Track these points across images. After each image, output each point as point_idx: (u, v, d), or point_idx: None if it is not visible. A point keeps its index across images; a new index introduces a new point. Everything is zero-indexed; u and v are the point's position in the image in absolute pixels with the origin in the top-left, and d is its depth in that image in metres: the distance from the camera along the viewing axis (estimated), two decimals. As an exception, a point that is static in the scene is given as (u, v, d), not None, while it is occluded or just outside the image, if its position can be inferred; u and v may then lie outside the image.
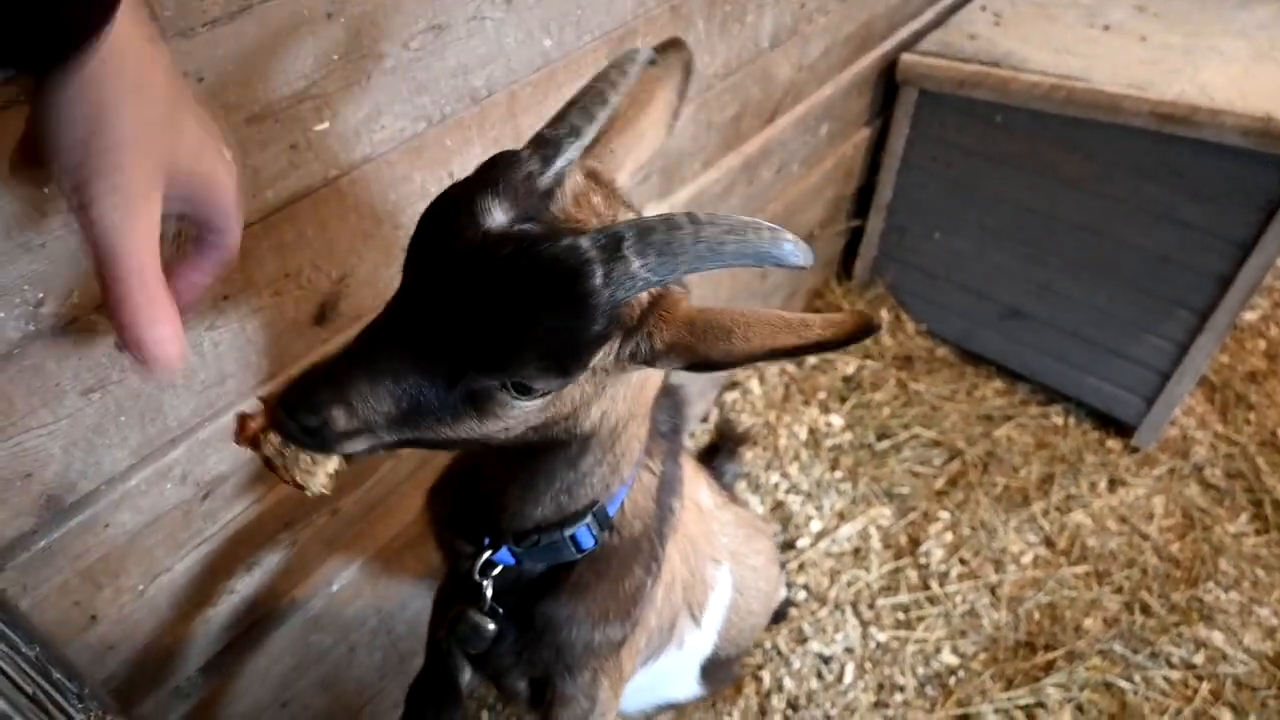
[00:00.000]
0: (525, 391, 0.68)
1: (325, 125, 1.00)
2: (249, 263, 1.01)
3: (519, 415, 0.71)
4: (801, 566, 2.20)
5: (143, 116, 0.53)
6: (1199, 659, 2.04)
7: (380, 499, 1.43)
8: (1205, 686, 1.99)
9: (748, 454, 2.40)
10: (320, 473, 0.71)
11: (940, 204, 2.50)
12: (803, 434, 2.50)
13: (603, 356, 0.71)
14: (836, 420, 2.54)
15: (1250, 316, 2.89)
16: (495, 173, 0.67)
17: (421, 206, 1.19)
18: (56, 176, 0.53)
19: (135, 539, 1.07)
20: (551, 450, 0.84)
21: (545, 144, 0.70)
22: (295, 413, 0.67)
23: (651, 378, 0.87)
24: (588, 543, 0.97)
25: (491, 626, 1.01)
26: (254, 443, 0.69)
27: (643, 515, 1.04)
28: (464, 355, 0.66)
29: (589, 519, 0.96)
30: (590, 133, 0.71)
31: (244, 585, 1.29)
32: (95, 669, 1.12)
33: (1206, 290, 2.16)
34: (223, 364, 1.05)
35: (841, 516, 2.31)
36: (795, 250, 0.64)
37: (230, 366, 1.06)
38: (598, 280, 0.63)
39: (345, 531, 1.42)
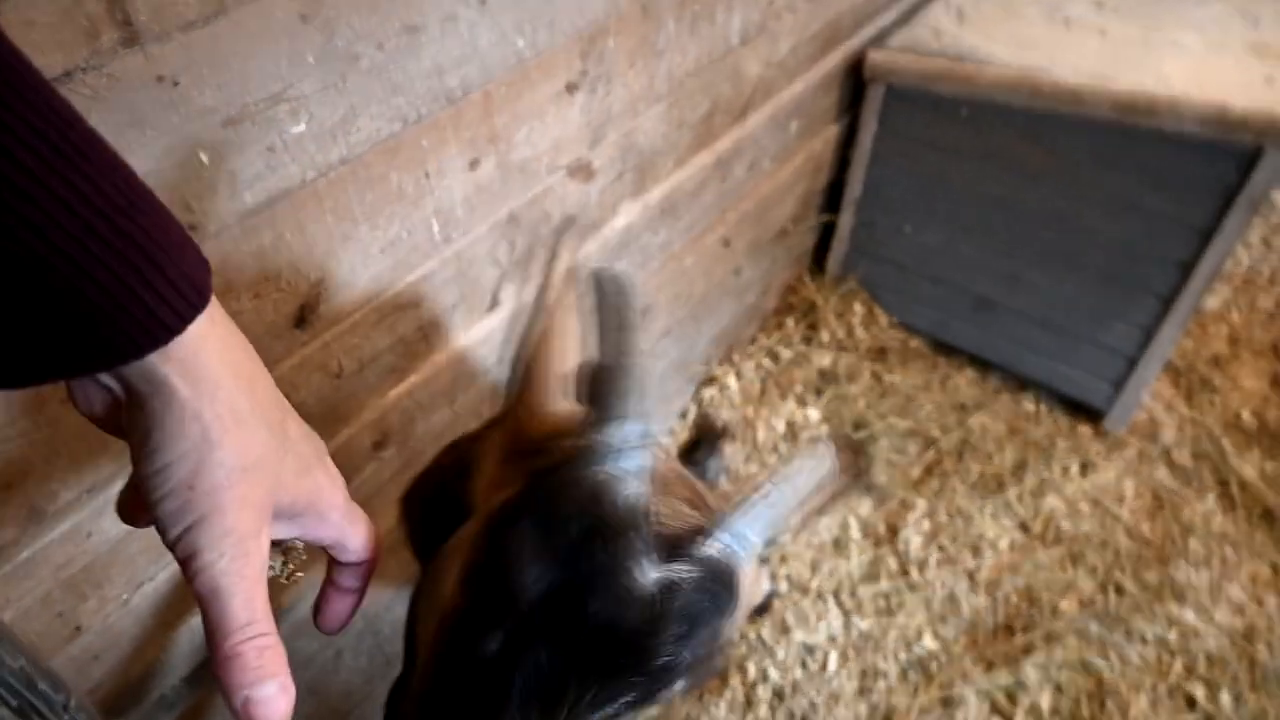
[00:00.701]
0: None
1: (302, 127, 1.00)
2: (228, 267, 1.01)
3: None
4: (783, 558, 2.22)
5: (248, 445, 0.48)
6: (1172, 636, 2.08)
7: (366, 499, 1.43)
8: (1179, 662, 2.03)
9: (728, 448, 2.42)
10: None
11: (910, 198, 2.54)
12: (781, 427, 2.53)
13: None
14: (813, 413, 2.57)
15: (1213, 303, 2.96)
16: (630, 522, 0.59)
17: (399, 208, 1.20)
18: (156, 522, 0.48)
19: (118, 547, 1.06)
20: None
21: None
22: None
23: None
24: None
25: None
26: None
27: None
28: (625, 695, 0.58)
29: None
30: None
31: (228, 592, 1.28)
32: (80, 680, 1.11)
33: (1170, 277, 2.21)
34: (203, 369, 1.05)
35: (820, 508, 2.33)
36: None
37: (211, 371, 1.06)
38: (739, 563, 0.65)
39: (329, 535, 1.41)
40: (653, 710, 0.62)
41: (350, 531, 0.60)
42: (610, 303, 0.71)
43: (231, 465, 0.47)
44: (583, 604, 0.56)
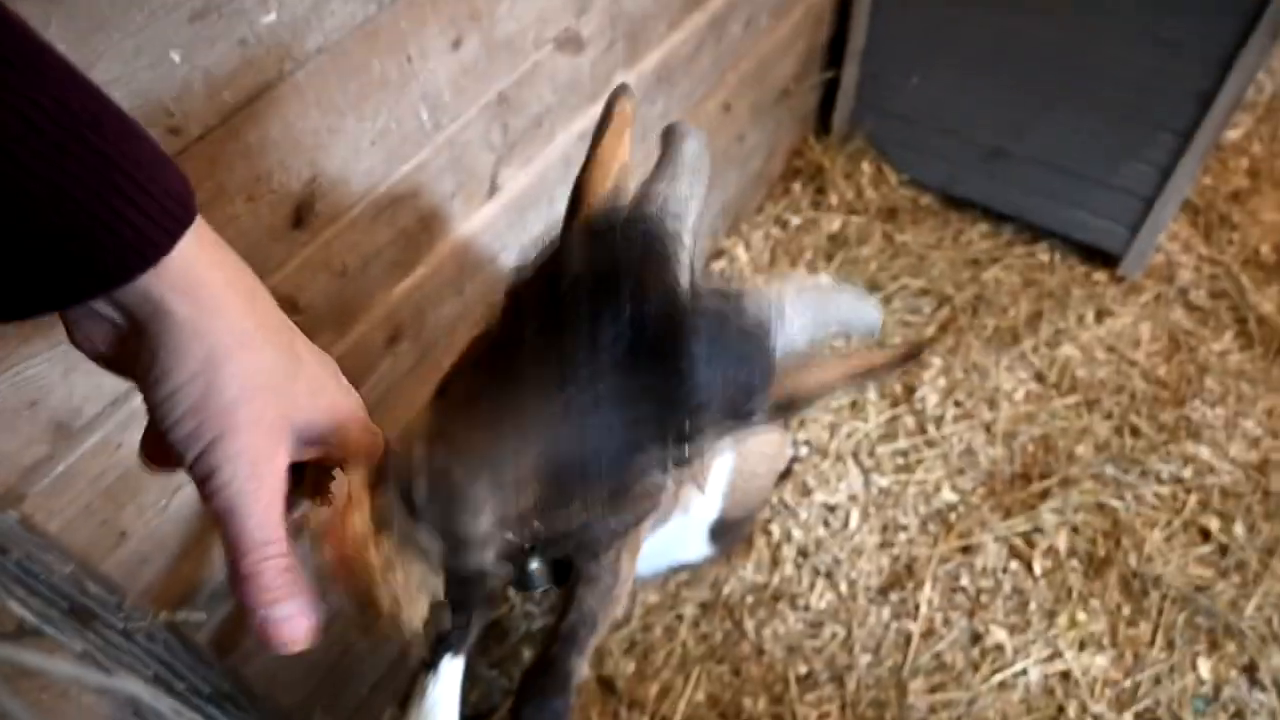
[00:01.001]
0: (679, 464, 0.62)
1: (272, 16, 0.96)
2: (218, 169, 0.99)
3: (657, 484, 0.66)
4: (801, 424, 2.25)
5: (256, 364, 0.47)
6: (1187, 473, 2.12)
7: (384, 395, 1.46)
8: (1194, 498, 2.08)
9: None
10: (422, 602, 0.53)
11: (915, 46, 2.43)
12: (793, 296, 2.52)
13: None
14: (825, 280, 2.55)
15: (1233, 135, 2.86)
16: (665, 242, 0.62)
17: (385, 96, 1.16)
18: (174, 450, 0.47)
19: (149, 456, 1.09)
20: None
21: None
22: (449, 514, 0.51)
23: None
24: None
25: (534, 564, 0.97)
26: (348, 559, 0.51)
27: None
28: (642, 419, 0.57)
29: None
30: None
31: (262, 492, 1.32)
32: (133, 582, 1.16)
33: (1188, 110, 2.13)
34: (207, 276, 1.05)
35: (836, 372, 2.35)
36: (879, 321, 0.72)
37: (215, 278, 1.06)
38: (776, 341, 0.64)
39: (353, 432, 1.44)
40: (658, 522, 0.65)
41: (367, 440, 0.58)
42: (672, 154, 0.74)
43: (241, 385, 0.46)
44: (621, 286, 0.56)
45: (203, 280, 0.46)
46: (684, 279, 0.61)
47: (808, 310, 0.65)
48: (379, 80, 1.14)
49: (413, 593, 0.52)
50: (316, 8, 1.00)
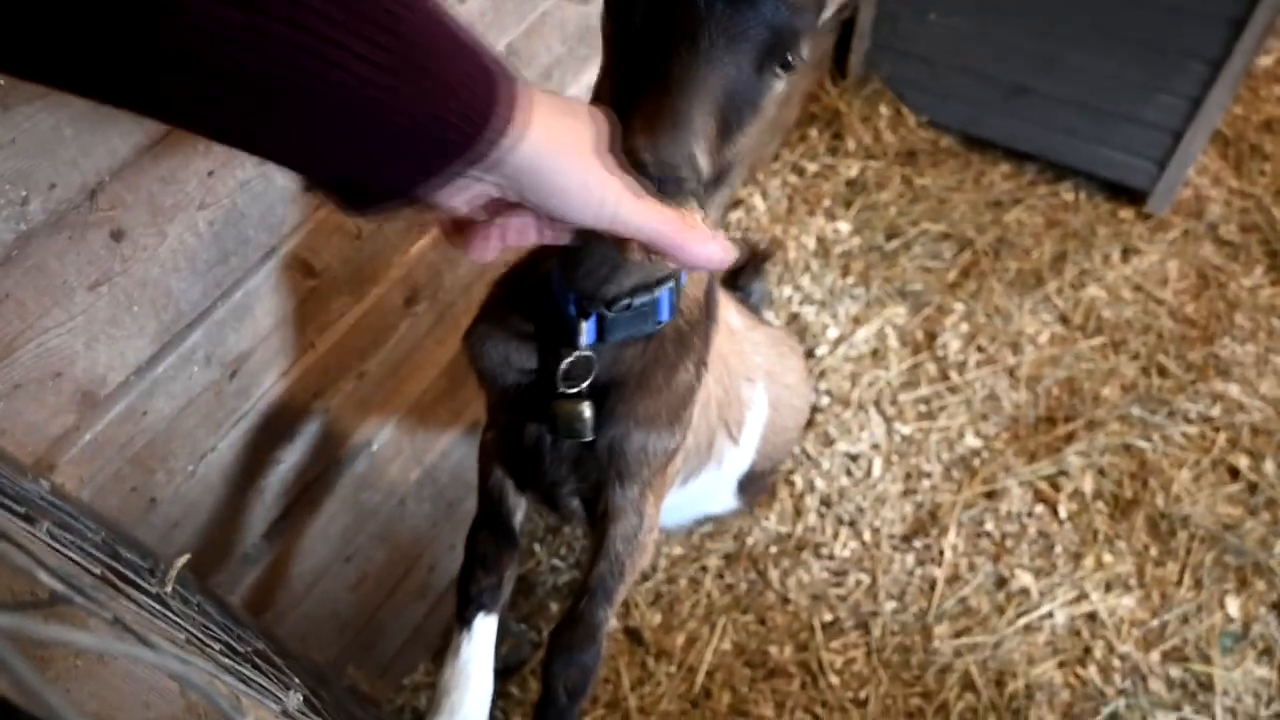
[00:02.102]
0: (788, 68, 0.74)
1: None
2: (226, 134, 0.98)
3: (772, 108, 0.77)
4: (823, 373, 2.24)
5: (579, 139, 0.62)
6: (1215, 411, 2.10)
7: (405, 356, 1.46)
8: (1223, 436, 2.05)
9: (771, 270, 2.39)
10: None
11: (934, -18, 2.36)
12: (811, 244, 2.49)
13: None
14: (844, 226, 2.51)
15: (1265, 61, 2.77)
16: None
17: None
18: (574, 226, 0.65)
19: (174, 423, 1.10)
20: None
21: None
22: (668, 165, 0.66)
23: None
24: (664, 314, 0.99)
25: (588, 412, 1.02)
26: None
27: (694, 306, 1.06)
28: (764, 31, 0.70)
29: (670, 286, 0.97)
30: None
31: (288, 454, 1.34)
32: (166, 546, 1.19)
33: (1219, 37, 2.05)
34: (222, 242, 1.04)
35: (857, 321, 2.33)
36: None
37: (230, 244, 1.06)
38: None
39: (375, 393, 1.45)
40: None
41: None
42: None
43: (584, 156, 0.62)
44: None
45: (542, 139, 0.59)
46: None
47: None
48: (384, 36, 1.12)
49: None
50: (317, -37, 0.98)
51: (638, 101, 0.69)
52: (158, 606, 0.81)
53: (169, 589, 0.83)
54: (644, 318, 0.98)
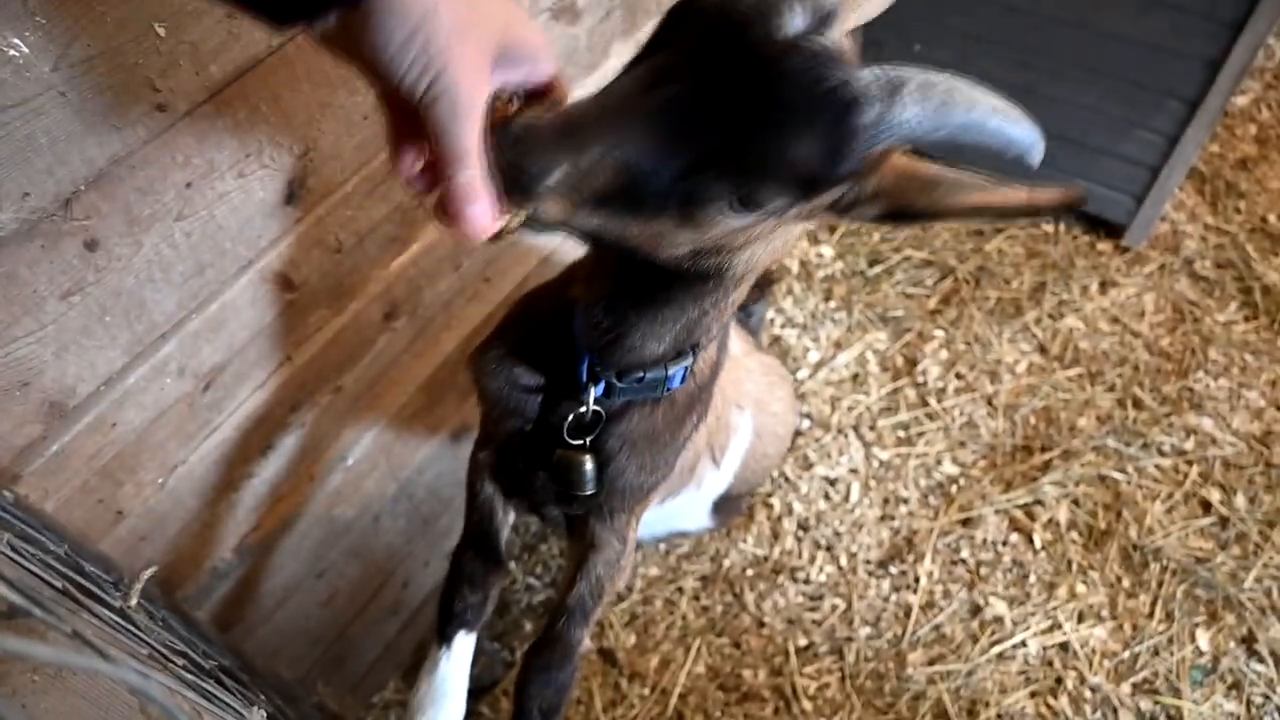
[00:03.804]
0: (746, 206, 0.67)
1: (260, -12, 0.94)
2: (207, 146, 0.98)
3: (718, 231, 0.71)
4: (803, 397, 2.25)
5: (462, 13, 0.59)
6: (1189, 445, 2.12)
7: (383, 371, 1.45)
8: (1195, 470, 2.07)
9: (775, 291, 2.40)
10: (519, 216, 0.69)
11: (918, 13, 2.39)
12: (794, 267, 2.50)
13: (829, 196, 0.69)
14: (827, 251, 2.53)
15: (1241, 101, 2.82)
16: None
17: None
18: (401, 90, 0.60)
19: (145, 435, 1.09)
20: (688, 285, 0.84)
21: None
22: (526, 152, 0.63)
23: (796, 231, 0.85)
24: (675, 383, 0.98)
25: (589, 465, 1.01)
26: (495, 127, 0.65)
27: (706, 368, 1.05)
28: (713, 150, 0.64)
29: (688, 360, 0.96)
30: None
31: (262, 469, 1.33)
32: (132, 559, 1.17)
33: (1196, 77, 2.09)
34: (198, 254, 1.04)
35: (838, 345, 2.34)
36: (1038, 146, 0.68)
37: (206, 255, 1.05)
38: (870, 118, 0.63)
39: (352, 408, 1.44)
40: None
41: (552, 68, 0.70)
42: None
43: (450, 29, 0.58)
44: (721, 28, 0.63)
45: None
46: (789, 29, 0.63)
47: (931, 103, 0.65)
48: (370, 53, 1.12)
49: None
50: (304, -21, 0.98)
51: (582, 101, 0.67)
52: (120, 621, 0.80)
53: (133, 603, 0.82)
54: (652, 387, 0.98)
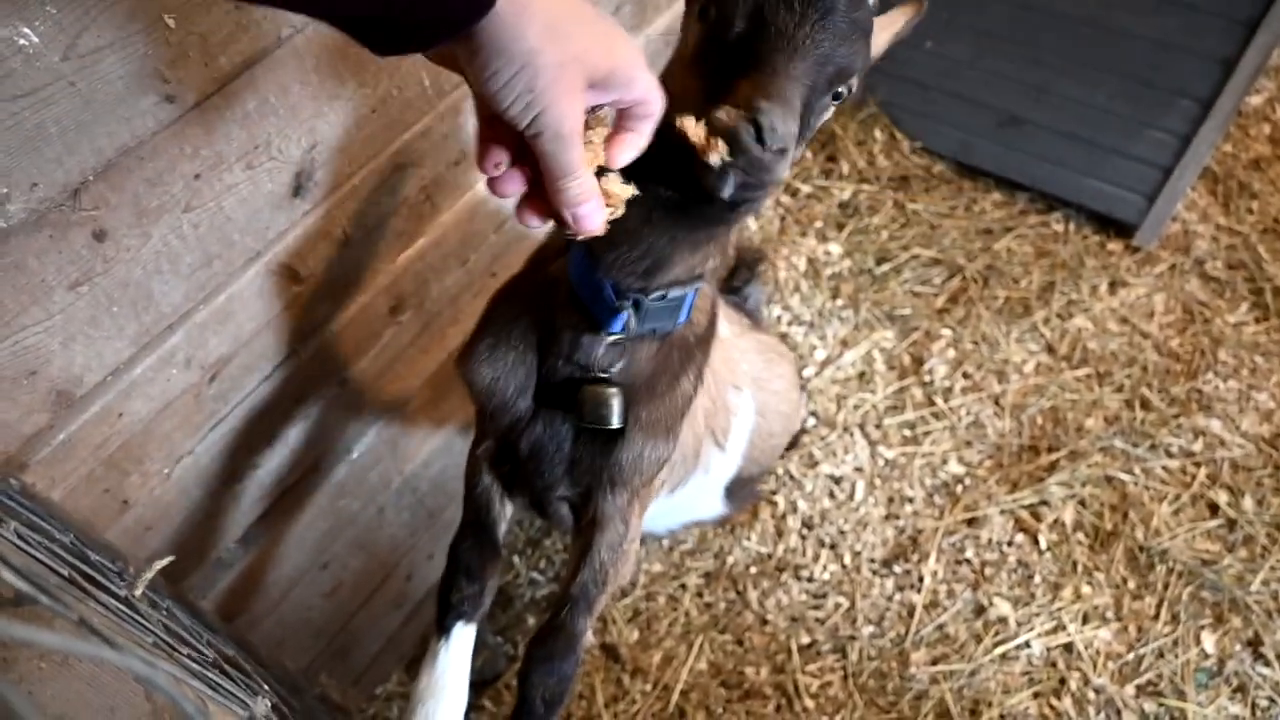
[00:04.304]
0: (839, 93, 0.86)
1: (269, -20, 0.94)
2: (215, 138, 0.98)
3: (817, 123, 0.88)
4: (809, 394, 2.24)
5: (561, 53, 0.64)
6: (1197, 447, 2.10)
7: (388, 364, 1.45)
8: (1203, 472, 2.06)
9: (767, 273, 2.40)
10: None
11: (930, 9, 2.37)
12: (802, 265, 2.50)
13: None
14: (835, 248, 2.52)
15: (1255, 100, 2.80)
16: None
17: (385, 61, 1.14)
18: (505, 117, 0.66)
19: (151, 426, 1.09)
20: (731, 214, 0.93)
21: None
22: (766, 131, 0.74)
23: None
24: (684, 315, 1.03)
25: (616, 398, 1.03)
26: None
27: (702, 317, 1.09)
28: (829, 59, 0.81)
29: (695, 288, 1.01)
30: None
31: (266, 460, 1.33)
32: (138, 549, 1.18)
33: (1210, 76, 2.08)
34: (206, 245, 1.04)
35: (845, 343, 2.34)
36: None
37: (214, 247, 1.05)
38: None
39: (356, 400, 1.44)
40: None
41: (649, 90, 0.76)
42: None
43: (552, 66, 0.64)
44: None
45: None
46: None
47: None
48: (379, 45, 1.12)
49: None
50: (313, -29, 0.98)
51: (736, 82, 0.79)
52: (126, 610, 0.80)
53: (138, 593, 0.82)
54: (672, 313, 1.01)
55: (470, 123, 1.37)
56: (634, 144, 0.77)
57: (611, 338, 1.00)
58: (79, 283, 0.92)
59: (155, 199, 0.95)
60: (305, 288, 1.21)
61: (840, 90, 0.87)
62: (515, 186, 0.76)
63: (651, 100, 0.76)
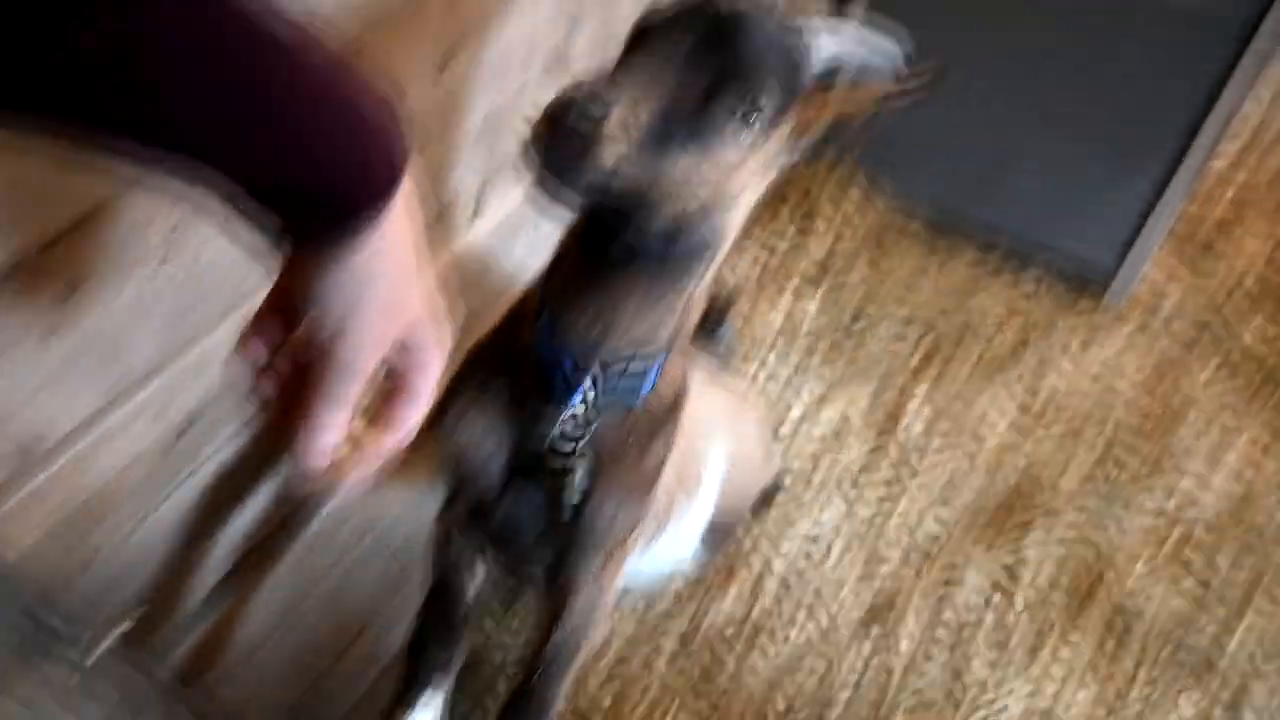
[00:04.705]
0: (749, 116, 0.83)
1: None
2: (194, 188, 0.97)
3: (731, 157, 0.85)
4: (785, 452, 2.24)
5: (395, 292, 0.61)
6: (1170, 505, 2.12)
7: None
8: (1177, 531, 2.07)
9: (739, 316, 2.41)
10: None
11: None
12: (778, 321, 2.51)
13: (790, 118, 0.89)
14: (810, 305, 2.55)
15: (1218, 164, 2.89)
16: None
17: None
18: (309, 325, 0.61)
19: (116, 481, 1.07)
20: (665, 269, 0.93)
21: None
22: (584, 103, 0.73)
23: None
24: (647, 387, 1.00)
25: (580, 470, 1.02)
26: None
27: (670, 386, 1.07)
28: (722, 70, 0.81)
29: (659, 361, 0.99)
30: None
31: (236, 516, 1.30)
32: (99, 609, 1.14)
33: (1176, 139, 2.15)
34: (181, 298, 1.03)
35: (821, 400, 2.34)
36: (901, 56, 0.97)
37: (189, 300, 1.04)
38: (810, 42, 0.88)
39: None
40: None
41: (416, 408, 0.71)
42: None
43: (380, 303, 0.60)
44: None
45: (387, 236, 0.57)
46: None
47: (838, 33, 0.90)
48: (362, 103, 1.12)
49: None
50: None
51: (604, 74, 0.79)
52: (80, 680, 0.77)
53: (89, 663, 0.79)
54: (632, 389, 0.99)
55: (454, 175, 1.38)
56: (415, 404, 0.72)
57: (569, 411, 0.99)
58: (47, 335, 0.90)
59: (131, 251, 0.94)
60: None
61: (745, 105, 0.83)
62: (267, 386, 0.70)
63: (409, 412, 0.71)
